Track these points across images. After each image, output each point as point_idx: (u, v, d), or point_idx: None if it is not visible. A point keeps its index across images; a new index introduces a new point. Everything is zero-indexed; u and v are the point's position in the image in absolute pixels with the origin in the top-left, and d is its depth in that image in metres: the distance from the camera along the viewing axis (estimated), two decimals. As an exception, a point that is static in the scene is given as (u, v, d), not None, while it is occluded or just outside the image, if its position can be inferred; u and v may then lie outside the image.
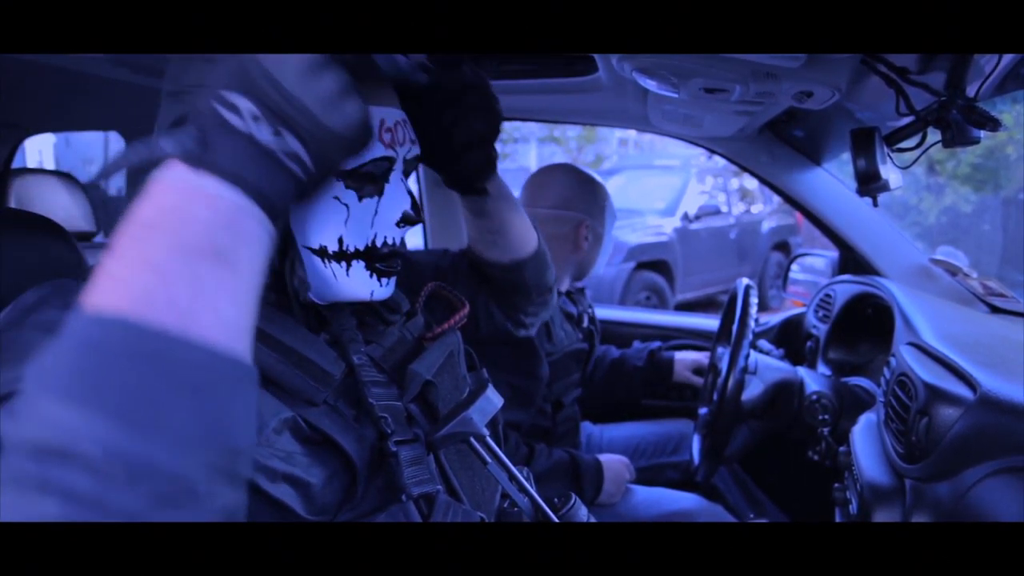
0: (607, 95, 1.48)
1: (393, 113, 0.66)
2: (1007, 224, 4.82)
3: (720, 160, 3.77)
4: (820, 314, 1.69)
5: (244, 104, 0.45)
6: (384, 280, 0.67)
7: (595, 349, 1.79)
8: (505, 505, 0.76)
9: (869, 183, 1.17)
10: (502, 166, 0.88)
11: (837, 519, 1.12)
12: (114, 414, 0.36)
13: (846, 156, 1.34)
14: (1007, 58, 0.87)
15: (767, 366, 1.40)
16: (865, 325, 1.55)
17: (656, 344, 1.89)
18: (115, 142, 6.51)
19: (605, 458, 1.47)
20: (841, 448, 1.15)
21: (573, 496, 0.77)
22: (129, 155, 0.47)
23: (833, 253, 1.87)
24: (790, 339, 1.90)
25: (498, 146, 0.83)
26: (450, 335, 0.79)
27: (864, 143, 1.16)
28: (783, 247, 6.98)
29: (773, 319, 2.03)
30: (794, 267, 2.13)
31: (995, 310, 1.45)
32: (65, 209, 2.23)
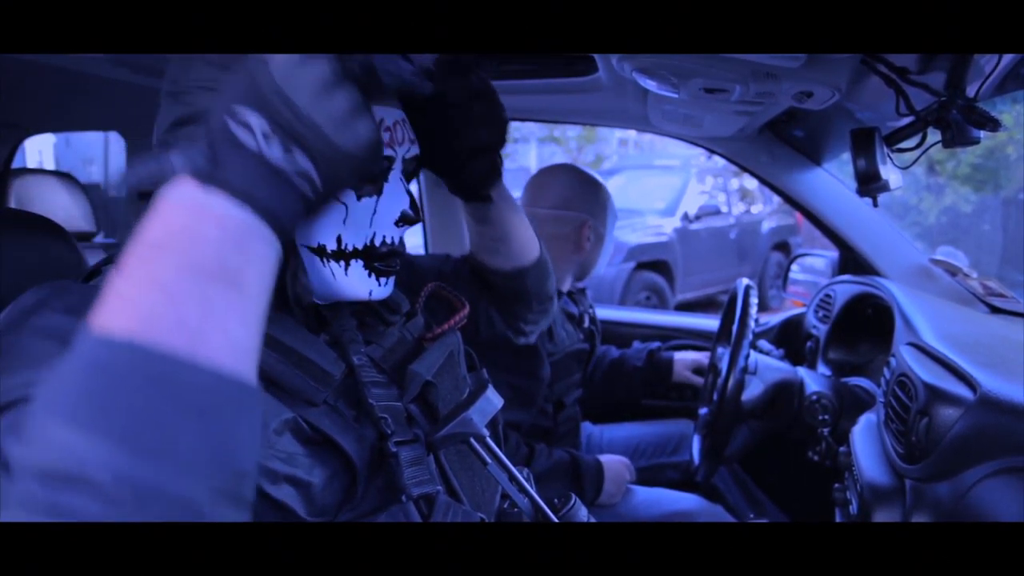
0: (607, 95, 1.48)
1: (392, 112, 0.66)
2: (1007, 224, 4.82)
3: (720, 160, 3.77)
4: (820, 314, 1.69)
5: (256, 121, 0.45)
6: (383, 280, 0.67)
7: (596, 349, 1.79)
8: (505, 505, 0.76)
9: (869, 183, 1.17)
10: (502, 166, 0.88)
11: (837, 519, 1.12)
12: (122, 439, 0.37)
13: (846, 156, 1.34)
14: (1007, 58, 0.87)
15: (767, 366, 1.40)
16: (865, 325, 1.54)
17: (656, 344, 1.89)
18: (115, 142, 6.51)
19: (606, 458, 1.47)
20: (841, 448, 1.15)
21: (573, 496, 0.76)
22: (140, 171, 0.47)
23: (833, 253, 1.87)
24: (790, 339, 1.90)
25: (499, 149, 0.83)
26: (450, 335, 0.79)
27: (864, 143, 1.16)
28: (783, 247, 6.98)
29: (773, 319, 2.03)
30: (794, 267, 2.13)
31: (995, 310, 1.45)
32: (65, 209, 2.23)
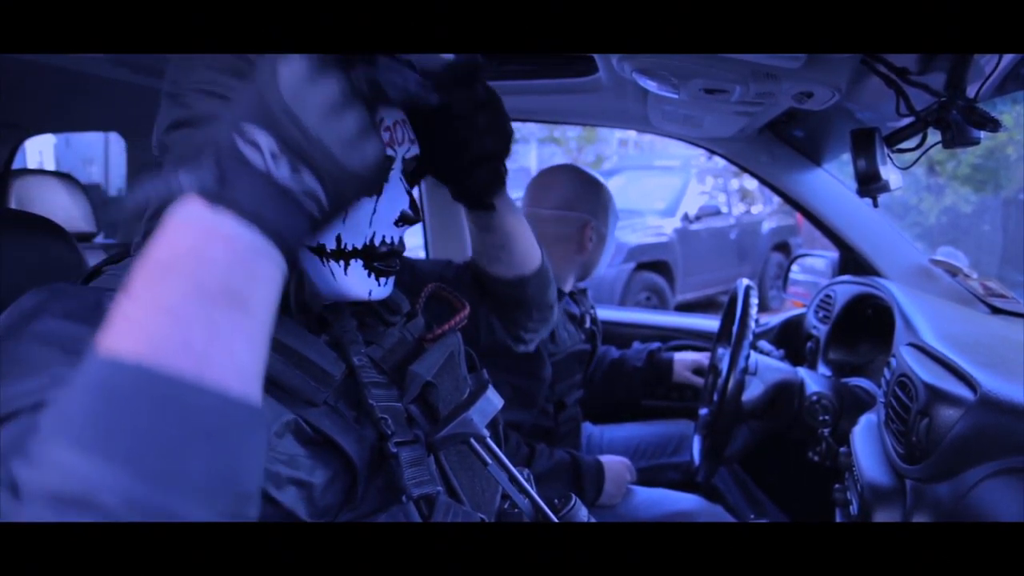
0: (607, 96, 1.48)
1: (392, 112, 0.66)
2: (1007, 224, 4.82)
3: (720, 161, 3.77)
4: (820, 315, 1.69)
5: (264, 140, 0.45)
6: (382, 280, 0.67)
7: (597, 350, 1.79)
8: (506, 506, 0.76)
9: (869, 184, 1.17)
10: (502, 166, 0.88)
11: (837, 520, 1.12)
12: (129, 462, 0.37)
13: (846, 157, 1.34)
14: (1007, 58, 0.87)
15: (767, 367, 1.40)
16: (865, 326, 1.54)
17: (656, 345, 1.89)
18: (115, 142, 6.51)
19: (606, 459, 1.47)
20: (841, 449, 1.15)
21: (573, 497, 0.76)
22: (148, 190, 0.46)
23: (833, 254, 1.87)
24: (790, 340, 1.90)
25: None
26: (451, 336, 0.79)
27: (864, 144, 1.16)
28: (783, 248, 6.98)
29: (773, 320, 2.03)
30: (794, 268, 2.13)
31: (995, 311, 1.45)
32: (65, 210, 2.23)
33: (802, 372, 1.40)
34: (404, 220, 0.68)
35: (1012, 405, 0.79)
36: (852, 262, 1.73)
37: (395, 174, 0.67)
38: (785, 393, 1.37)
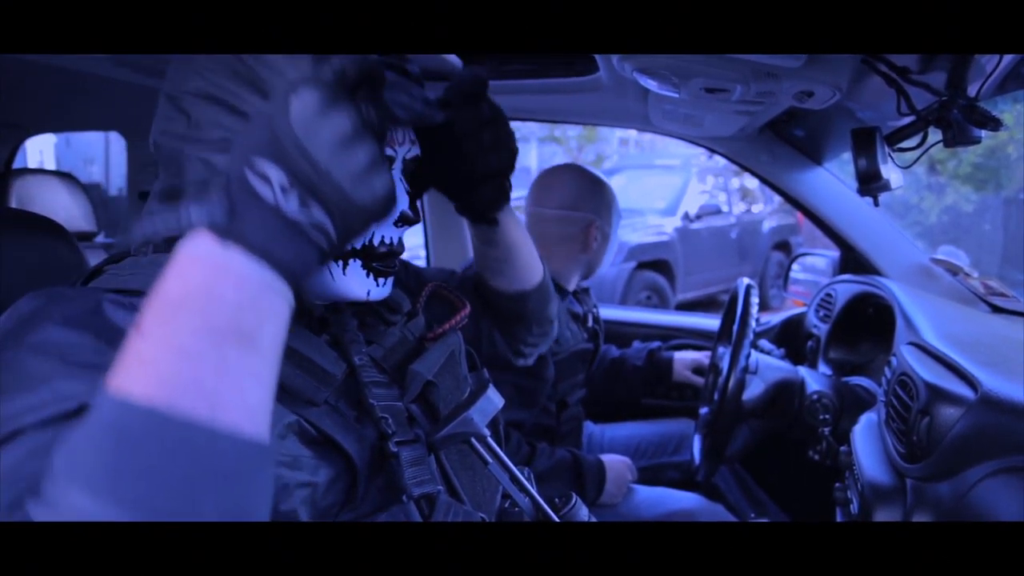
0: (608, 95, 1.48)
1: None
2: (1008, 224, 4.81)
3: (721, 160, 3.76)
4: (821, 314, 1.69)
5: (274, 173, 0.44)
6: (381, 280, 0.67)
7: (599, 349, 1.79)
8: (506, 505, 0.76)
9: (870, 183, 1.17)
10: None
11: (838, 519, 1.12)
12: (142, 507, 0.37)
13: (847, 156, 1.34)
14: (1008, 58, 0.87)
15: (768, 366, 1.40)
16: (866, 325, 1.54)
17: (656, 344, 1.89)
18: (116, 142, 6.51)
19: (608, 458, 1.48)
20: (842, 448, 1.14)
21: (574, 496, 0.77)
22: (157, 222, 0.46)
23: (834, 253, 1.87)
24: (791, 339, 1.89)
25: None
26: (451, 335, 0.79)
27: (865, 143, 1.16)
28: (784, 247, 6.97)
29: (774, 319, 2.03)
30: (795, 267, 2.13)
31: (996, 310, 1.44)
32: (66, 209, 2.24)
33: (803, 371, 1.40)
34: (403, 221, 0.68)
35: (1013, 404, 0.79)
36: (853, 261, 1.73)
37: (395, 174, 0.67)
38: (786, 392, 1.37)
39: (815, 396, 1.34)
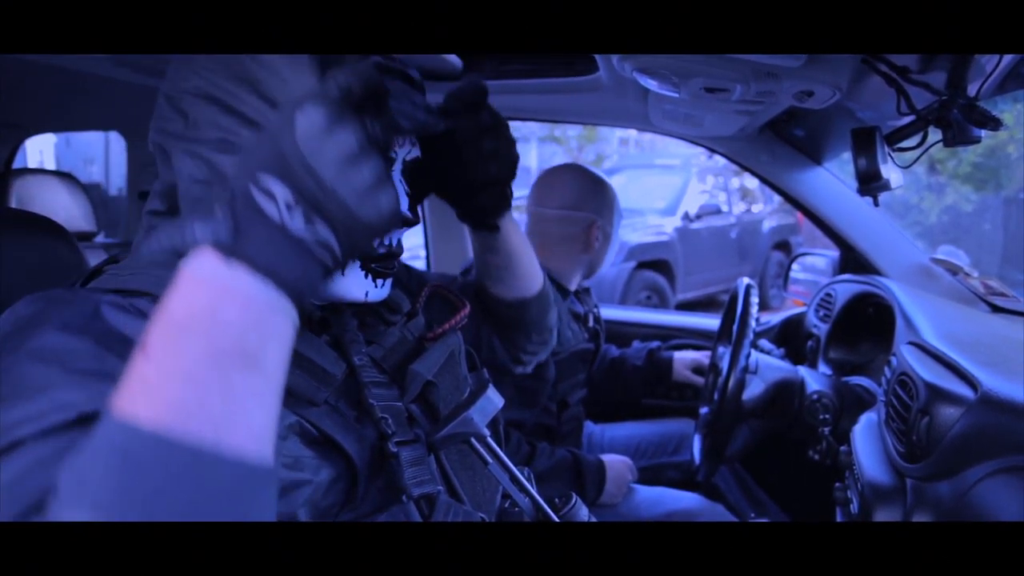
0: (607, 95, 1.48)
1: None
2: (1008, 223, 4.81)
3: (721, 159, 3.76)
4: (821, 313, 1.69)
5: (279, 190, 0.44)
6: (380, 281, 0.67)
7: (600, 349, 1.79)
8: (506, 505, 0.76)
9: (870, 182, 1.17)
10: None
11: (838, 519, 1.12)
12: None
13: (847, 155, 1.34)
14: (1008, 57, 0.87)
15: (768, 365, 1.40)
16: (866, 324, 1.54)
17: (656, 344, 1.89)
18: (115, 142, 6.51)
19: (608, 458, 1.48)
20: (842, 447, 1.15)
21: (574, 496, 0.77)
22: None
23: (834, 252, 1.87)
24: (791, 338, 1.90)
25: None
26: (451, 335, 0.79)
27: (865, 142, 1.16)
28: (784, 246, 6.97)
29: (774, 318, 2.03)
30: (795, 266, 2.13)
31: (996, 309, 1.44)
32: (66, 209, 2.24)
33: (803, 371, 1.40)
34: (403, 223, 0.68)
35: (1013, 404, 0.79)
36: (853, 261, 1.73)
37: (395, 176, 0.67)
38: (786, 392, 1.37)
39: (815, 396, 1.34)
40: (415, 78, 0.66)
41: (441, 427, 0.66)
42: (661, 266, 5.69)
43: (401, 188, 0.68)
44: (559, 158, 9.06)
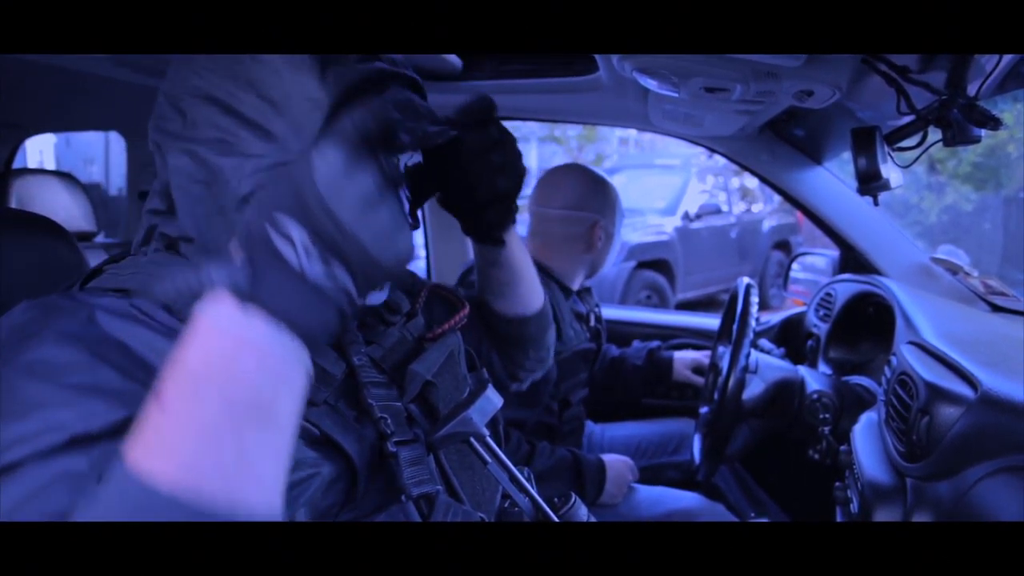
0: (607, 94, 1.48)
1: None
2: (1008, 223, 4.81)
3: (721, 159, 3.76)
4: (821, 313, 1.69)
5: (297, 234, 0.44)
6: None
7: (602, 348, 1.79)
8: (506, 505, 0.76)
9: (870, 182, 1.17)
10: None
11: (838, 518, 1.12)
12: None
13: (847, 155, 1.34)
14: (1008, 57, 0.87)
15: (768, 365, 1.40)
16: (866, 324, 1.54)
17: (655, 343, 1.89)
18: (115, 142, 6.50)
19: (609, 458, 1.48)
20: (842, 447, 1.15)
21: (573, 496, 0.77)
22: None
23: (834, 252, 1.87)
24: (791, 338, 1.90)
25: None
26: (451, 335, 0.79)
27: (865, 142, 1.16)
28: (784, 246, 6.97)
29: (774, 318, 2.03)
30: (795, 266, 2.13)
31: (996, 309, 1.44)
32: (66, 209, 2.24)
33: (803, 370, 1.40)
34: None
35: (1013, 403, 0.79)
36: (853, 260, 1.73)
37: None
38: (786, 391, 1.37)
39: (815, 395, 1.34)
40: (420, 83, 0.66)
41: (440, 427, 0.66)
42: (661, 266, 5.69)
43: (402, 195, 0.68)
44: (559, 158, 9.06)
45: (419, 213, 0.77)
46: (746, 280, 1.49)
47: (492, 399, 0.69)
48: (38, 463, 0.43)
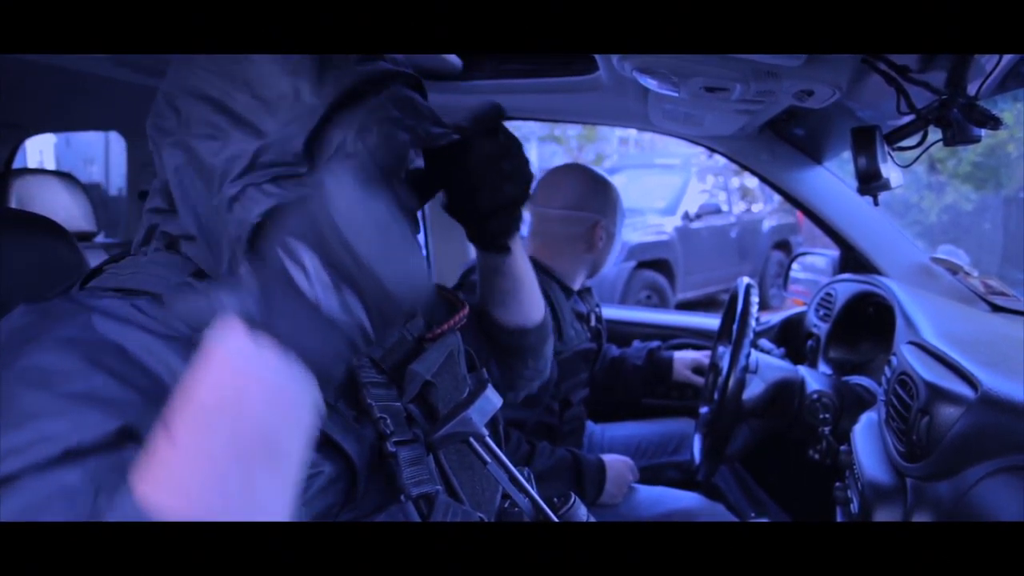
0: (607, 94, 1.48)
1: None
2: (1008, 223, 4.81)
3: (721, 159, 3.76)
4: (821, 313, 1.69)
5: (312, 263, 0.43)
6: None
7: (602, 348, 1.79)
8: (506, 505, 0.76)
9: (870, 182, 1.17)
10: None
11: (838, 518, 1.12)
12: None
13: (847, 155, 1.34)
14: (1008, 57, 0.87)
15: (768, 365, 1.40)
16: (866, 324, 1.54)
17: (656, 343, 1.89)
18: (115, 142, 6.50)
19: (609, 458, 1.48)
20: (842, 447, 1.15)
21: (572, 496, 0.77)
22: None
23: (834, 252, 1.87)
24: (791, 338, 1.89)
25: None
26: (450, 336, 0.79)
27: (865, 141, 1.16)
28: (784, 246, 6.97)
29: (774, 318, 2.03)
30: (795, 266, 2.13)
31: (996, 309, 1.44)
32: (66, 209, 2.23)
33: (803, 370, 1.40)
34: None
35: (1013, 403, 0.79)
36: (853, 260, 1.73)
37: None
38: (786, 391, 1.37)
39: (815, 395, 1.34)
40: (421, 82, 0.66)
41: (440, 427, 0.66)
42: (661, 266, 5.69)
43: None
44: (559, 158, 9.06)
45: (419, 214, 0.78)
46: (746, 280, 1.49)
47: (492, 399, 0.69)
48: (34, 477, 0.43)
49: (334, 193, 0.44)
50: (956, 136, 0.99)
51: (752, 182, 6.53)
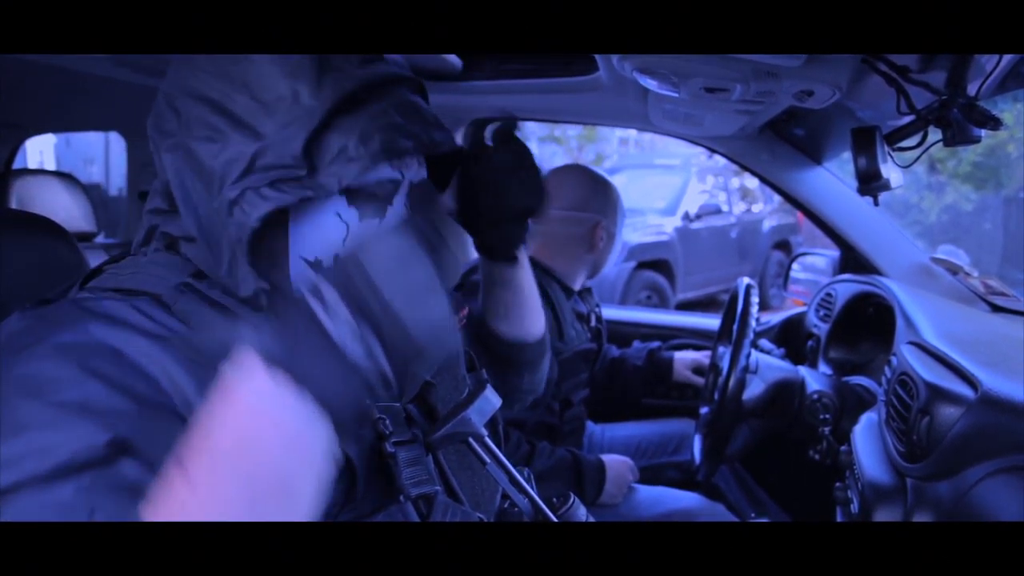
0: (607, 94, 1.48)
1: None
2: (1008, 223, 4.81)
3: (721, 159, 3.76)
4: (821, 313, 1.69)
5: (337, 303, 0.42)
6: None
7: (603, 349, 1.79)
8: (505, 505, 0.76)
9: (870, 182, 1.17)
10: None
11: (838, 518, 1.12)
12: None
13: (847, 155, 1.34)
14: (1008, 57, 0.87)
15: (768, 365, 1.40)
16: (866, 324, 1.54)
17: (656, 344, 1.89)
18: (115, 142, 6.50)
19: (609, 459, 1.48)
20: (842, 447, 1.14)
21: (572, 496, 0.77)
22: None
23: (834, 252, 1.87)
24: (791, 338, 1.89)
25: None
26: (450, 336, 0.79)
27: (865, 142, 1.16)
28: (784, 246, 6.97)
29: (774, 318, 2.03)
30: (795, 266, 2.13)
31: (996, 309, 1.44)
32: (66, 209, 2.23)
33: (803, 371, 1.40)
34: None
35: (1013, 403, 0.79)
36: (853, 260, 1.73)
37: (401, 197, 0.67)
38: (786, 392, 1.37)
39: (815, 396, 1.34)
40: (424, 87, 0.66)
41: (439, 427, 0.66)
42: (661, 266, 5.69)
43: (406, 211, 0.68)
44: (559, 158, 9.06)
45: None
46: (746, 280, 1.49)
47: (491, 399, 0.69)
48: (28, 491, 0.43)
49: (377, 249, 0.43)
50: (956, 136, 0.99)
51: (752, 182, 6.53)
